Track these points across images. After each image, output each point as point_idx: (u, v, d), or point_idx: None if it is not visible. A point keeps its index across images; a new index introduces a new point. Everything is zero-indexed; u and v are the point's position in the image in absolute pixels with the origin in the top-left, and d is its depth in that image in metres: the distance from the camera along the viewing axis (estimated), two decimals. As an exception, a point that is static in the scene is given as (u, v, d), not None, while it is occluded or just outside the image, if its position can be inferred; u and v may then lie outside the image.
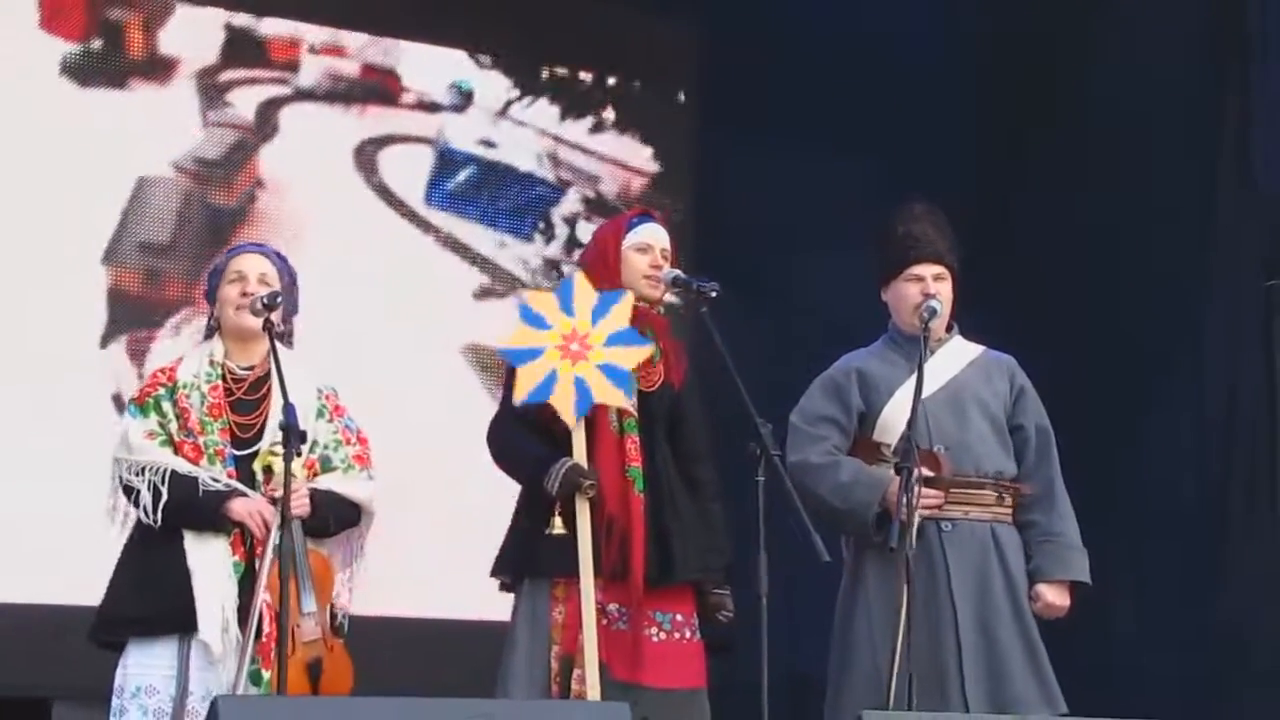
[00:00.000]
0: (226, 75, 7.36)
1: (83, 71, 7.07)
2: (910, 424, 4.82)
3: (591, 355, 4.65)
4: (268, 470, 4.60)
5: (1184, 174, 7.22)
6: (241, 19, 7.41)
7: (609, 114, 8.15)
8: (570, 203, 8.02)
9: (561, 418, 4.63)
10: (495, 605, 4.91)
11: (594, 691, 4.49)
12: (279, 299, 4.64)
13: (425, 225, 7.71)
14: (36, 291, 6.78)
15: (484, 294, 7.77)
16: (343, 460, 4.78)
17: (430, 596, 7.05)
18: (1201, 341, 7.18)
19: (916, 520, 4.75)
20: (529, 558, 4.72)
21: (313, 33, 7.57)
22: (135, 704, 4.56)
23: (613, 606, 4.68)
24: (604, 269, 4.83)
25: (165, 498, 4.56)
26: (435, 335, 7.54)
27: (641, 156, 8.19)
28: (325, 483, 4.71)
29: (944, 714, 4.78)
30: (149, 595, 4.58)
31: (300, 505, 4.55)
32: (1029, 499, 5.08)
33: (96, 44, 7.12)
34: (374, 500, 4.81)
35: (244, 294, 4.71)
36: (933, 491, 4.91)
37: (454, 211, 7.77)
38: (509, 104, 7.95)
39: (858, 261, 5.42)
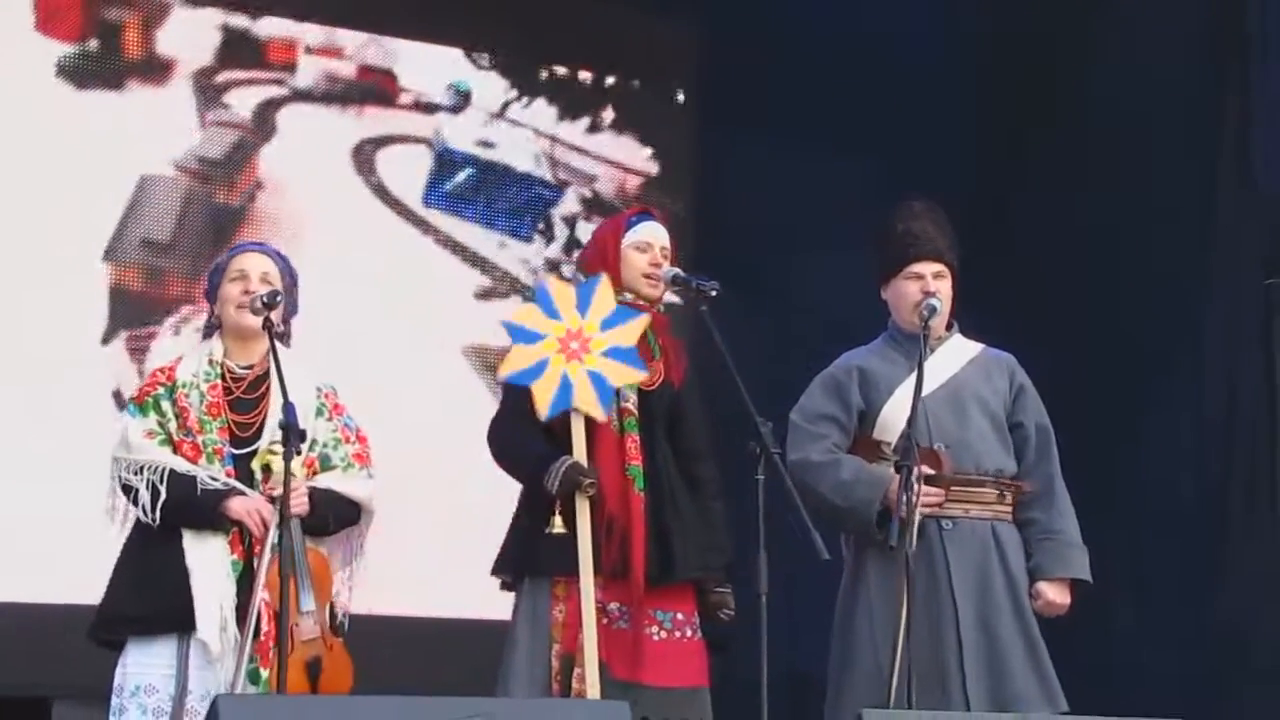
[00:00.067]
0: (223, 76, 7.35)
1: (79, 73, 7.06)
2: (910, 422, 4.81)
3: (593, 345, 4.64)
4: (266, 469, 4.59)
5: (1184, 174, 7.22)
6: (238, 20, 7.40)
7: (608, 114, 8.14)
8: (569, 203, 8.01)
9: (592, 415, 4.61)
10: (495, 604, 4.90)
11: (594, 690, 4.48)
12: (279, 298, 4.63)
13: (424, 225, 7.70)
14: (37, 289, 6.77)
15: (484, 294, 7.77)
16: (342, 459, 4.77)
17: (430, 595, 7.05)
18: (1201, 341, 7.18)
19: (917, 518, 4.75)
20: (529, 556, 4.71)
21: (310, 33, 7.57)
22: (135, 703, 4.55)
23: (613, 605, 4.67)
24: (603, 267, 4.82)
25: (164, 497, 4.56)
26: (434, 335, 7.53)
27: (641, 156, 8.18)
28: (324, 481, 4.71)
29: (945, 712, 4.78)
30: (148, 594, 4.57)
31: (299, 504, 4.54)
32: (1029, 497, 5.07)
33: (93, 45, 7.12)
34: (374, 499, 4.80)
35: (246, 292, 4.70)
36: (933, 490, 4.91)
37: (452, 212, 7.77)
38: (507, 104, 7.95)
39: (857, 261, 5.42)
